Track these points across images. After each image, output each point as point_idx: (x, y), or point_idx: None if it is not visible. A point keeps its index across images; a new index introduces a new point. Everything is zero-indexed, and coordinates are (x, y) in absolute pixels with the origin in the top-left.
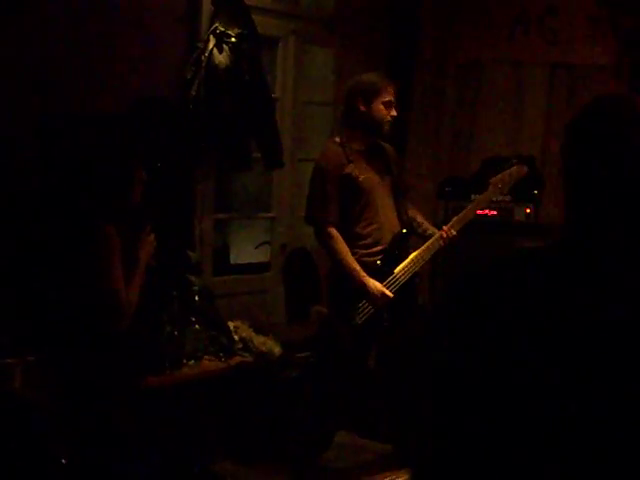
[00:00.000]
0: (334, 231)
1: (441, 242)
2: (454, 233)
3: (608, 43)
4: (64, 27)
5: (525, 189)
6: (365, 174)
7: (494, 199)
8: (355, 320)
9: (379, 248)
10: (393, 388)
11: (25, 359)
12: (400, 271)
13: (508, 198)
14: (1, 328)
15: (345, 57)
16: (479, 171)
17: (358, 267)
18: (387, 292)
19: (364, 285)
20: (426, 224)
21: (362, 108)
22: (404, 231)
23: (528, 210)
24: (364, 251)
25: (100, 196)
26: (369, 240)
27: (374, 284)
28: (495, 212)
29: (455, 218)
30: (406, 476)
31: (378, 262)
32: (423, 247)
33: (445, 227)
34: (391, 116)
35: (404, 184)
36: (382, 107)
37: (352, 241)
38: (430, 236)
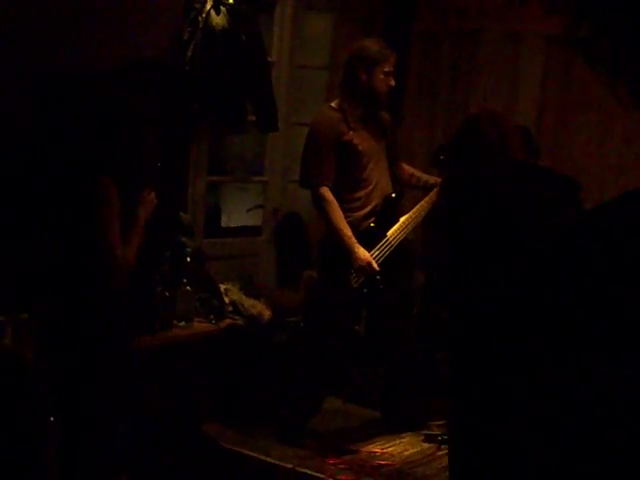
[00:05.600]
0: (329, 193)
1: None
2: None
3: None
4: None
5: None
6: (364, 141)
7: None
8: (351, 283)
9: (371, 211)
10: (383, 354)
11: (16, 316)
12: (392, 234)
13: None
14: None
15: (342, 22)
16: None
17: (350, 233)
18: (374, 263)
19: (353, 252)
20: (426, 176)
21: (363, 76)
22: (393, 195)
23: None
24: (357, 214)
25: (106, 152)
26: (362, 203)
27: (363, 252)
28: None
29: None
30: (395, 444)
31: (372, 224)
32: (421, 202)
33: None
34: (389, 86)
35: (397, 151)
36: (382, 76)
37: (346, 204)
38: (433, 186)
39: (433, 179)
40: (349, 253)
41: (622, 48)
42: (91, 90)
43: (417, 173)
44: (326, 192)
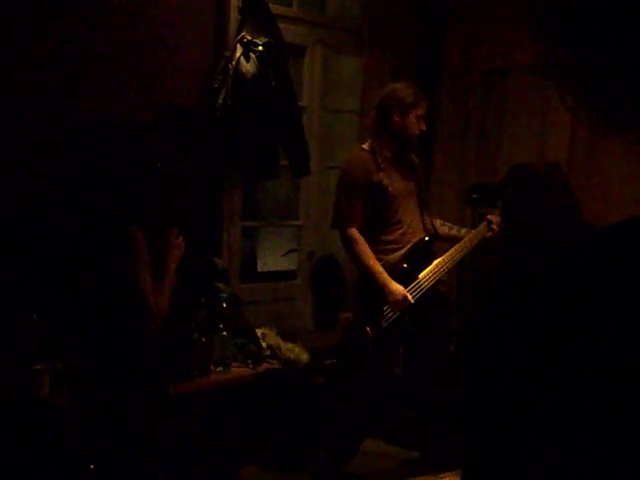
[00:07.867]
0: (356, 233)
1: (490, 232)
2: (499, 219)
3: None
4: (92, 35)
5: None
6: (395, 182)
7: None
8: (380, 324)
9: (405, 254)
10: (420, 394)
11: (54, 365)
12: (424, 277)
13: None
14: (30, 334)
15: (372, 65)
16: (506, 178)
17: (381, 269)
18: (409, 296)
19: (386, 287)
20: (456, 227)
21: (396, 118)
22: (427, 238)
23: None
24: (390, 256)
25: (133, 202)
26: (394, 246)
27: (396, 286)
28: None
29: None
30: None
31: (405, 265)
32: (455, 247)
33: (489, 216)
34: (421, 130)
35: (427, 196)
36: (415, 120)
37: (378, 246)
38: (462, 237)
39: (463, 231)
40: (382, 288)
41: (598, 76)
42: (123, 140)
43: (448, 224)
44: (354, 232)
